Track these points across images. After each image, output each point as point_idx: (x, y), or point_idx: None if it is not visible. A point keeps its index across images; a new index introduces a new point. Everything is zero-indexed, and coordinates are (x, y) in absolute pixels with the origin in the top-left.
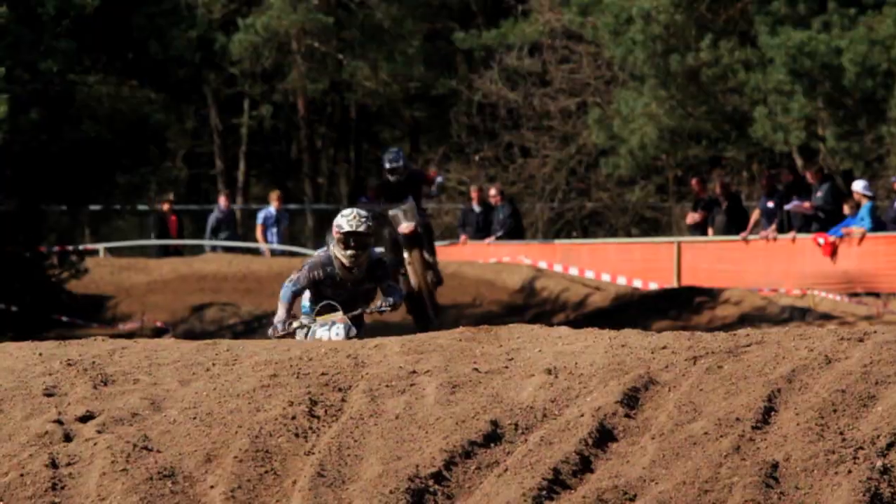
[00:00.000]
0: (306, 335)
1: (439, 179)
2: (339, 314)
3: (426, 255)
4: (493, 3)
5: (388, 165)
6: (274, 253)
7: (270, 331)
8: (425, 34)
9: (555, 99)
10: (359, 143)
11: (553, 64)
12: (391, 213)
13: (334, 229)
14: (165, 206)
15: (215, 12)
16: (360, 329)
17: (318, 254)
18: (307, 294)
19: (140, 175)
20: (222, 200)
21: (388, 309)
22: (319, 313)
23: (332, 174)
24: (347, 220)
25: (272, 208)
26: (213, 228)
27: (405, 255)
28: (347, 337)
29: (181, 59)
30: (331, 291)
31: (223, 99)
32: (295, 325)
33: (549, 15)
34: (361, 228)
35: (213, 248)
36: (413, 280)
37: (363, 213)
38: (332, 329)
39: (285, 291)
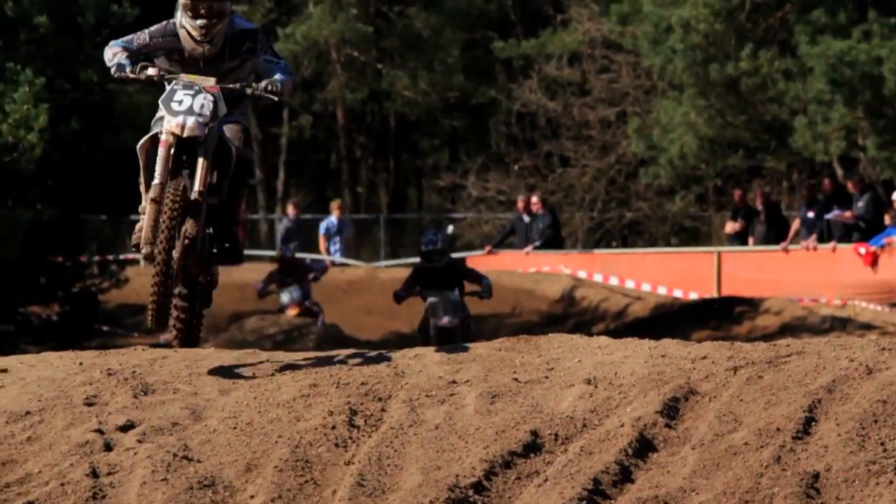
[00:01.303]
0: (158, 82)
1: (486, 281)
2: (212, 81)
3: None
4: (533, 13)
5: (423, 248)
6: (335, 264)
7: (114, 70)
8: (464, 44)
9: (594, 108)
10: (398, 152)
11: (592, 73)
12: (431, 299)
13: None
14: None
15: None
16: (242, 115)
17: (163, 23)
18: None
19: None
20: (291, 210)
21: (277, 89)
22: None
23: (371, 184)
24: None
25: (333, 218)
26: (284, 238)
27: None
28: (215, 116)
29: None
30: (179, 70)
31: (262, 108)
32: (151, 71)
33: (588, 24)
34: None
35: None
36: None
37: None
38: (196, 98)
39: (112, 42)
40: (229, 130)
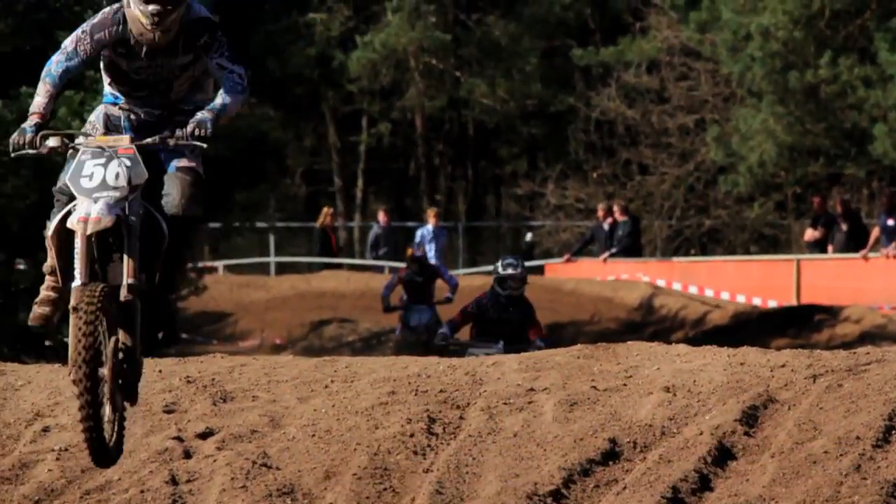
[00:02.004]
0: (63, 151)
1: (544, 343)
2: (126, 140)
3: None
4: (612, 20)
5: (501, 271)
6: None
7: (12, 140)
8: (543, 51)
9: (673, 116)
10: (476, 160)
11: (671, 81)
12: (471, 350)
13: None
14: (328, 221)
15: (333, 30)
16: (193, 152)
17: (107, 10)
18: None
19: (259, 192)
20: (382, 216)
21: (207, 133)
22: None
23: (449, 191)
24: None
25: (430, 226)
26: (373, 244)
27: None
28: (134, 186)
29: (299, 76)
30: (126, 67)
31: (341, 116)
32: (52, 142)
33: (667, 32)
34: None
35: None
36: None
37: None
38: (108, 167)
39: (53, 65)
40: (173, 182)
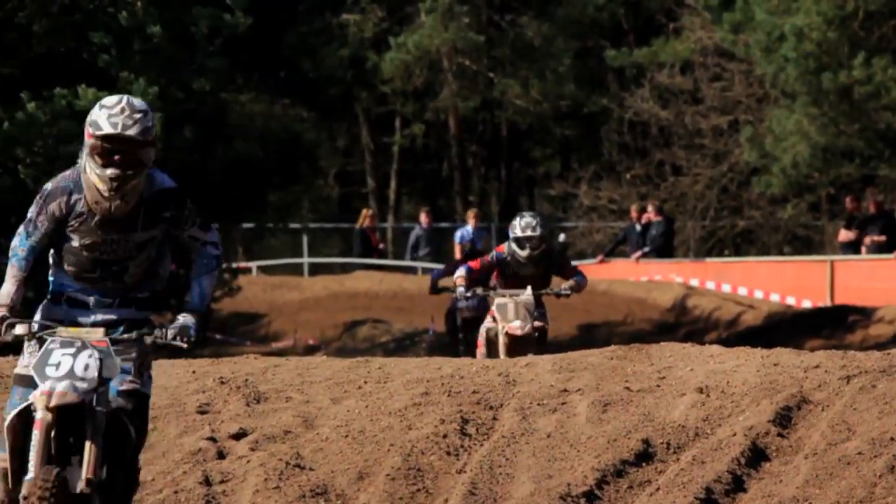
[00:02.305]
0: (30, 339)
1: (580, 278)
2: (100, 333)
3: None
4: (645, 21)
5: (519, 232)
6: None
7: None
8: (576, 52)
9: (706, 117)
10: (510, 161)
11: (705, 82)
12: (499, 301)
13: (87, 127)
14: (368, 222)
15: (367, 31)
16: (145, 376)
17: (62, 174)
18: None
19: (292, 193)
20: (423, 217)
21: (190, 337)
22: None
23: (483, 192)
24: (108, 113)
25: (469, 227)
26: (414, 245)
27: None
28: (104, 380)
29: (333, 77)
30: (78, 243)
31: (375, 117)
32: (19, 329)
33: (700, 33)
34: (130, 131)
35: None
36: None
37: (135, 104)
38: (78, 357)
39: (17, 244)
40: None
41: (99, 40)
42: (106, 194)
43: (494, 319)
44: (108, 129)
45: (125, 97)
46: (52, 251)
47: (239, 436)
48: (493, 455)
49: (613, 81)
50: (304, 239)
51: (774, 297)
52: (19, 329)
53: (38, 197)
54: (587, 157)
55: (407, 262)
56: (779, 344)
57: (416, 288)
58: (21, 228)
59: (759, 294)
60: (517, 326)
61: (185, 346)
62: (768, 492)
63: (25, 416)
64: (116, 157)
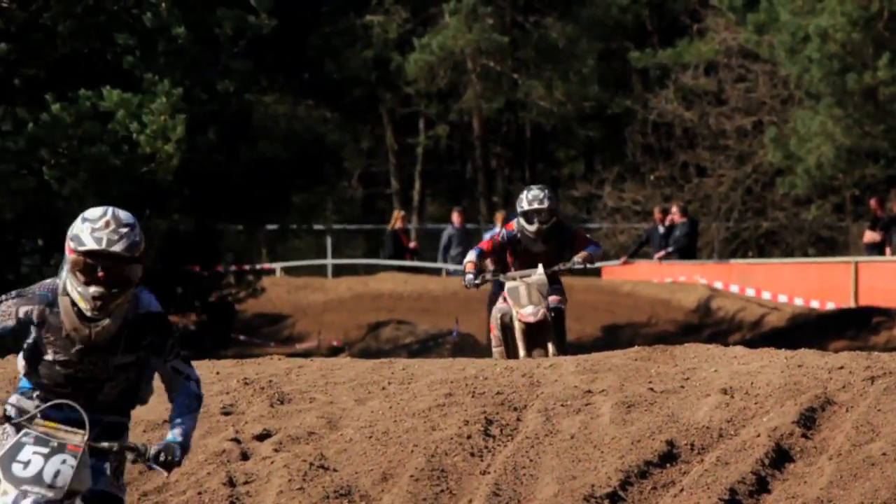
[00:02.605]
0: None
1: (593, 248)
2: (78, 438)
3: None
4: (669, 22)
5: (526, 206)
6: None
7: None
8: (600, 53)
9: (731, 118)
10: (534, 162)
11: (729, 83)
12: (510, 285)
13: (69, 242)
14: (399, 224)
15: (391, 32)
16: (113, 464)
17: (44, 283)
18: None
19: (316, 195)
20: (455, 217)
21: (175, 459)
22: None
23: (507, 193)
24: (92, 227)
25: (498, 228)
26: (445, 245)
27: (521, 351)
28: (68, 489)
29: (357, 78)
30: (51, 358)
31: (399, 118)
32: None
33: (724, 34)
34: (116, 247)
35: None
36: None
37: (121, 217)
38: (50, 460)
39: None
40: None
41: (124, 41)
42: (89, 314)
43: (505, 300)
44: (91, 245)
45: (110, 210)
46: (21, 355)
47: (263, 437)
48: (516, 456)
49: (637, 82)
50: (328, 240)
51: (798, 299)
52: None
53: (13, 292)
54: (611, 158)
55: (437, 264)
56: (803, 345)
57: (441, 289)
58: None
59: (783, 296)
60: (529, 313)
61: (165, 472)
62: (792, 493)
63: None
64: (100, 274)
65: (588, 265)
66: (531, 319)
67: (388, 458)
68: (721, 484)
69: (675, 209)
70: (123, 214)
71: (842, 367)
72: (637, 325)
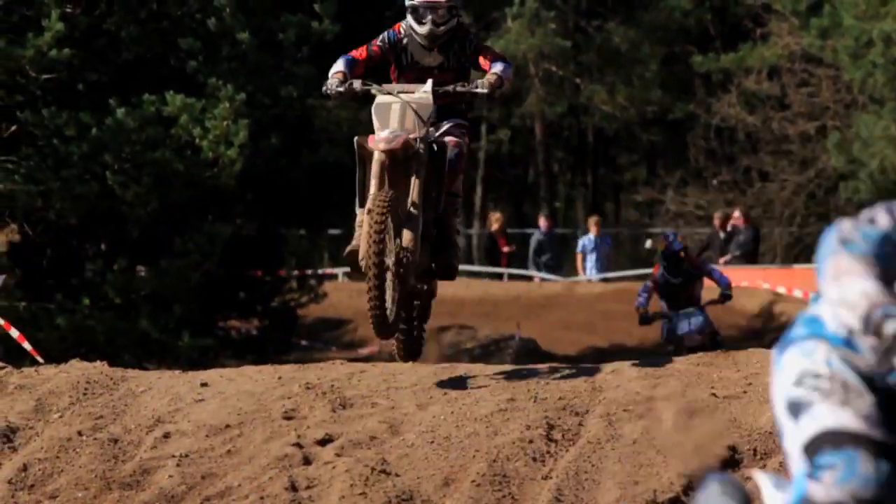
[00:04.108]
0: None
1: (502, 65)
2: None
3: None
4: (732, 27)
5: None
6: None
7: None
8: (663, 58)
9: (793, 122)
10: (596, 167)
11: (792, 87)
12: (380, 99)
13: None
14: (496, 227)
15: None
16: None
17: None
18: None
19: None
20: (543, 222)
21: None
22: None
23: (568, 198)
24: None
25: (591, 235)
26: (536, 250)
27: (372, 188)
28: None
29: None
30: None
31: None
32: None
33: (787, 38)
34: None
35: (538, 269)
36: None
37: None
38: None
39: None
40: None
41: (187, 46)
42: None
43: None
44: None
45: None
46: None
47: (324, 441)
48: (578, 461)
49: (700, 87)
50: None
51: None
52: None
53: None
54: (673, 162)
55: (529, 272)
56: None
57: (503, 293)
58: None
59: None
60: (382, 138)
61: (485, 91)
62: None
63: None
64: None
65: (497, 92)
66: (382, 146)
67: (450, 464)
68: None
69: (737, 214)
70: None
71: None
72: None
